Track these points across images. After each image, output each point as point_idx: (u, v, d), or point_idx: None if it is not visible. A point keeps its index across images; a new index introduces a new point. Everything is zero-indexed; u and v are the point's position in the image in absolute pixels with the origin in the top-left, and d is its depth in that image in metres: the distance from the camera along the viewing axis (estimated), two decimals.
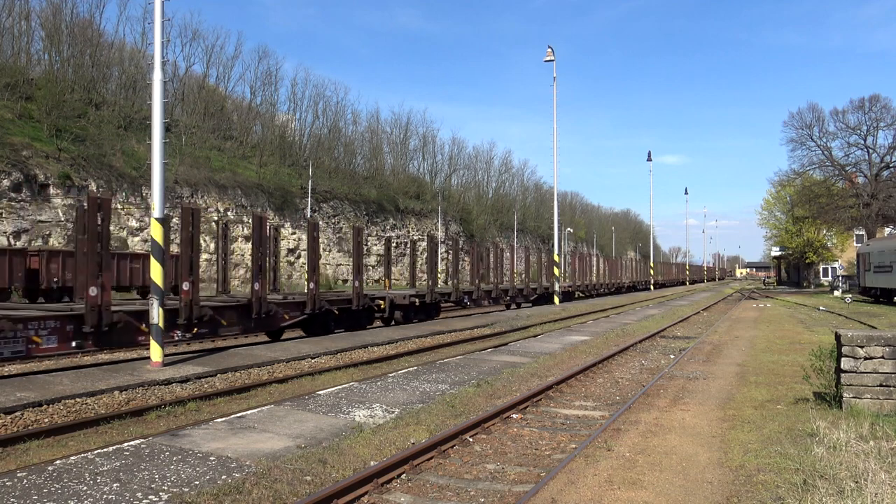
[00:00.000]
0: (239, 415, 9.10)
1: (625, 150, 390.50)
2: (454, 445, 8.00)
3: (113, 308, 12.96)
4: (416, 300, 23.59)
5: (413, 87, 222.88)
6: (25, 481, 6.18)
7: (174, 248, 27.44)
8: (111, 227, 13.51)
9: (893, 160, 52.77)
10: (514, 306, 34.15)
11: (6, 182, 31.71)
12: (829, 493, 5.59)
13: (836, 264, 73.27)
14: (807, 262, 76.26)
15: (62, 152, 35.80)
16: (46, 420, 9.40)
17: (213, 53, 57.24)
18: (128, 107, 45.18)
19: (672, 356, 16.27)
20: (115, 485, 6.16)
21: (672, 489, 6.24)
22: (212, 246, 38.37)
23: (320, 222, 52.11)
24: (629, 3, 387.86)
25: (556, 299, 35.48)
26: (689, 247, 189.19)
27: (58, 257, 27.23)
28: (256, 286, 16.26)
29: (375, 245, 59.09)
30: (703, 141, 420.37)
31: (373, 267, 57.36)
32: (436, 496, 6.44)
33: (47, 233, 33.42)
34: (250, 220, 45.63)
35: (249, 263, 43.87)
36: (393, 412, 9.46)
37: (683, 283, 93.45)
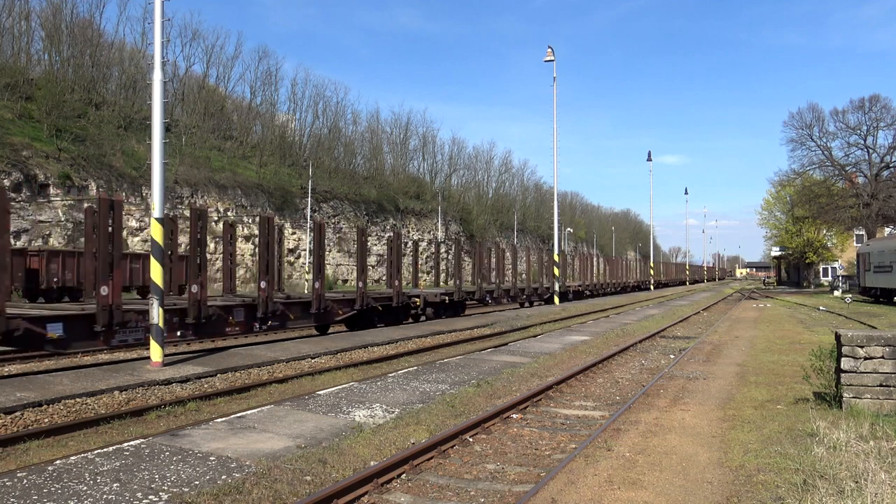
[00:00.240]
0: (239, 415, 9.10)
1: (625, 150, 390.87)
2: (454, 445, 8.00)
3: (209, 303, 15.03)
4: (446, 298, 25.69)
5: (413, 87, 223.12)
6: (25, 481, 6.18)
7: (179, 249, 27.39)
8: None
9: (893, 160, 52.79)
10: (527, 304, 35.97)
11: (6, 182, 31.70)
12: (829, 493, 5.59)
13: (836, 264, 73.27)
14: (807, 262, 76.27)
15: (62, 152, 35.80)
16: (46, 420, 9.40)
17: (213, 53, 57.35)
18: (128, 107, 45.19)
19: (672, 356, 16.27)
20: (115, 485, 6.16)
21: (672, 489, 6.24)
22: (211, 245, 38.37)
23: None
24: (629, 3, 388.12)
25: (556, 299, 35.50)
26: (689, 247, 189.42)
27: (58, 257, 27.24)
28: (317, 284, 18.49)
29: (375, 245, 59.10)
30: (703, 141, 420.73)
31: (372, 267, 57.35)
32: (436, 496, 6.44)
33: (47, 233, 33.42)
34: (250, 220, 45.80)
35: (249, 263, 44.00)
36: (393, 412, 9.46)
37: (683, 283, 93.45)
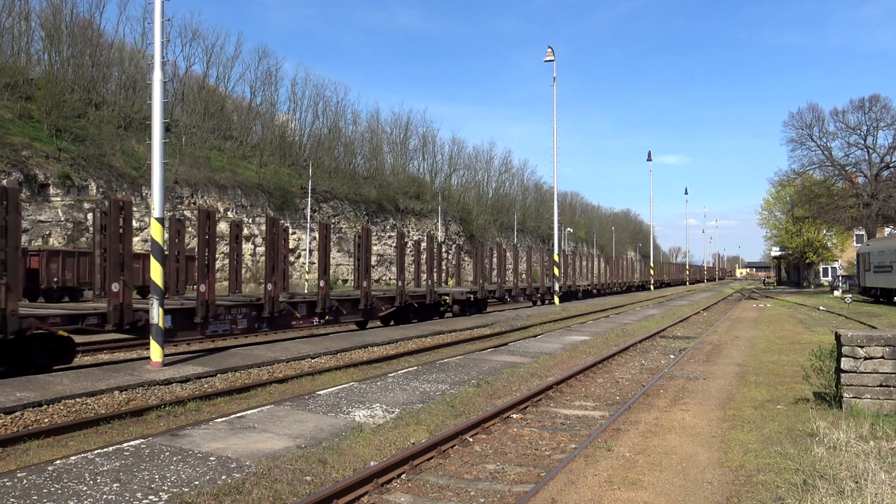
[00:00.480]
0: (239, 415, 9.10)
1: (625, 150, 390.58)
2: (454, 445, 8.00)
3: (280, 300, 16.83)
4: (471, 296, 27.72)
5: (413, 87, 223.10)
6: (25, 481, 6.18)
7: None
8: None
9: (893, 160, 52.79)
10: (539, 302, 37.19)
11: (6, 182, 31.71)
12: (829, 493, 5.59)
13: (836, 264, 73.26)
14: (807, 262, 76.26)
15: (62, 152, 35.80)
16: (46, 420, 9.40)
17: (213, 53, 57.31)
18: (128, 107, 45.19)
19: (672, 356, 16.27)
20: (115, 485, 6.16)
21: (672, 489, 6.24)
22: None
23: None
24: (629, 3, 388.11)
25: (556, 299, 35.51)
26: (689, 247, 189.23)
27: (58, 257, 27.24)
28: (364, 284, 20.14)
29: (375, 245, 59.10)
30: (703, 141, 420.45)
31: (372, 267, 57.34)
32: (436, 496, 6.44)
33: (47, 233, 33.42)
34: (250, 220, 45.82)
35: (249, 263, 44.00)
36: (393, 412, 9.46)
37: (683, 283, 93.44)
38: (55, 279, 26.76)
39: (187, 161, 43.99)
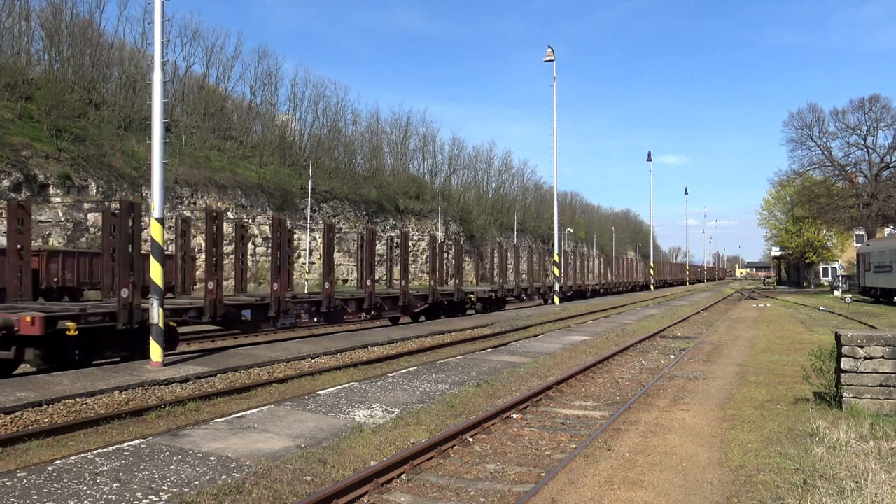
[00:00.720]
0: (239, 415, 9.10)
1: (625, 150, 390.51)
2: (454, 445, 8.00)
3: (336, 297, 18.95)
4: (493, 294, 29.92)
5: (413, 87, 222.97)
6: (25, 481, 6.18)
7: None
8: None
9: (893, 160, 52.79)
10: (550, 301, 37.86)
11: (6, 182, 31.71)
12: (829, 493, 5.59)
13: (836, 264, 73.25)
14: (807, 262, 76.26)
15: (62, 152, 35.79)
16: (46, 420, 9.39)
17: (213, 53, 57.21)
18: (128, 107, 45.16)
19: (672, 356, 16.27)
20: (115, 485, 6.16)
21: (672, 489, 6.24)
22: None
23: (320, 223, 52.14)
24: (629, 3, 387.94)
25: (556, 299, 35.50)
26: (689, 247, 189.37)
27: (58, 257, 27.20)
28: (403, 283, 22.20)
29: (375, 246, 59.10)
30: (703, 141, 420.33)
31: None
32: (436, 496, 6.44)
33: (47, 233, 33.42)
34: (250, 220, 45.78)
35: (249, 263, 43.91)
36: (393, 412, 9.46)
37: (683, 283, 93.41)
38: (55, 279, 26.73)
39: (187, 161, 43.98)
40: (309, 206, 50.67)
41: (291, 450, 7.45)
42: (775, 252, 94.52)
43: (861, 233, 56.60)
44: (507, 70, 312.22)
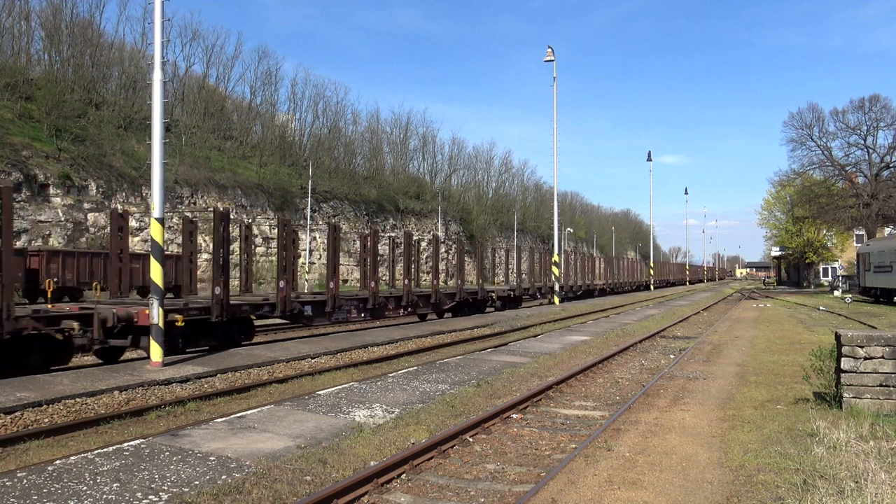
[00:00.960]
0: (239, 415, 9.10)
1: (625, 150, 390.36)
2: (454, 445, 8.00)
3: (379, 294, 20.76)
4: (511, 293, 31.74)
5: (413, 87, 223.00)
6: (25, 481, 6.18)
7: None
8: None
9: (893, 160, 52.77)
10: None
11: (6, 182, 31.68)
12: (829, 493, 5.59)
13: (836, 264, 73.23)
14: (807, 262, 76.23)
15: (62, 152, 35.79)
16: (46, 420, 9.40)
17: (213, 53, 57.22)
18: (128, 107, 45.16)
19: (672, 356, 16.27)
20: (115, 485, 6.16)
21: (672, 489, 6.24)
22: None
23: (320, 223, 52.16)
24: (629, 3, 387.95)
25: (556, 299, 35.50)
26: (689, 247, 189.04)
27: (58, 257, 27.21)
28: (435, 282, 24.20)
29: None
30: (703, 141, 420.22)
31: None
32: (436, 496, 6.44)
33: (47, 233, 33.41)
34: (250, 220, 45.76)
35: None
36: (393, 412, 9.46)
37: (683, 283, 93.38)
38: (55, 279, 26.73)
39: (187, 161, 43.97)
40: (309, 207, 50.67)
41: (291, 450, 7.45)
42: (775, 252, 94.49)
43: (861, 233, 56.59)
44: (507, 70, 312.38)
